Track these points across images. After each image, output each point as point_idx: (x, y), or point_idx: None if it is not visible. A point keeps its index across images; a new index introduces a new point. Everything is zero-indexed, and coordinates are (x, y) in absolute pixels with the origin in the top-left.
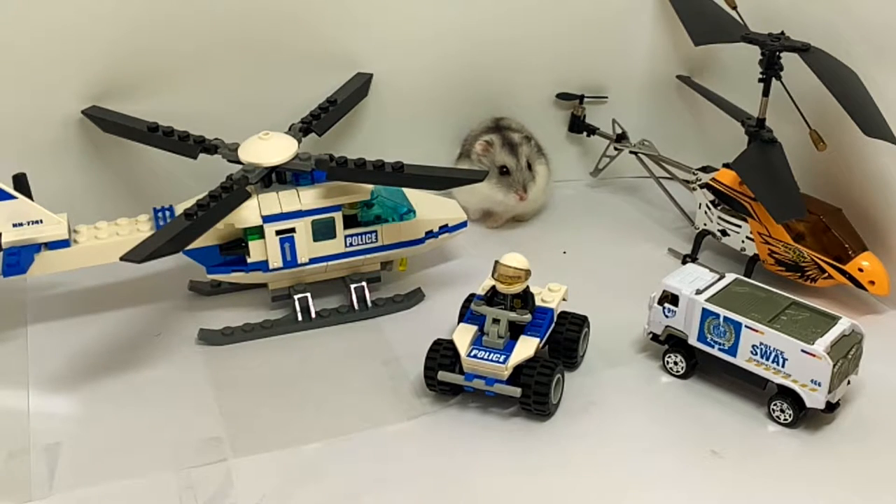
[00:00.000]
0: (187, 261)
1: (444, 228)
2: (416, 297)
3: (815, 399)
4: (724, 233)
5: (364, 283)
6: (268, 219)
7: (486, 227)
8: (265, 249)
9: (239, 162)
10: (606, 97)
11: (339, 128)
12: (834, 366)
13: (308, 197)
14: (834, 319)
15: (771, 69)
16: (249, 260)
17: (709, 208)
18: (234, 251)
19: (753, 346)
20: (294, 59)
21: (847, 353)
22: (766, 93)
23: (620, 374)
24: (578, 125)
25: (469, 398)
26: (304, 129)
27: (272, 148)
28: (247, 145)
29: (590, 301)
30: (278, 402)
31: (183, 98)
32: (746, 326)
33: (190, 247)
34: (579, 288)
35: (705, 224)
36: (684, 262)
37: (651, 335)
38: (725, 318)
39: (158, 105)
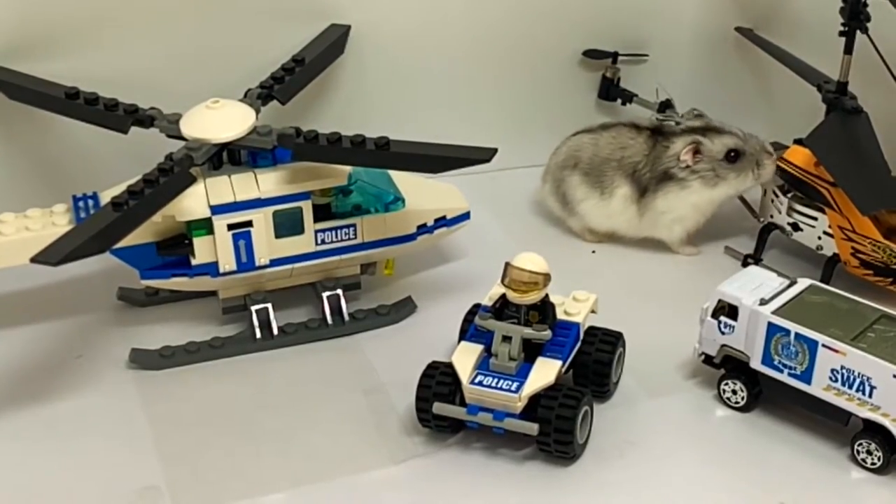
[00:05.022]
0: (116, 263)
1: (442, 221)
2: (405, 308)
3: None
4: (795, 227)
5: (340, 291)
6: (218, 209)
7: (588, 241)
8: (214, 248)
9: (181, 137)
10: (647, 55)
11: (308, 94)
12: None
13: (268, 182)
14: None
15: (855, 19)
16: (194, 261)
17: (776, 196)
18: (174, 250)
19: (833, 370)
20: (251, 6)
21: None
22: (848, 49)
23: (664, 405)
24: (611, 91)
25: (472, 437)
26: (263, 95)
27: (223, 119)
28: (191, 116)
29: (625, 314)
30: (231, 442)
31: (111, 56)
32: (824, 346)
33: (119, 245)
34: (612, 297)
35: (772, 216)
36: (745, 264)
37: (703, 357)
38: (797, 336)
39: (79, 65)
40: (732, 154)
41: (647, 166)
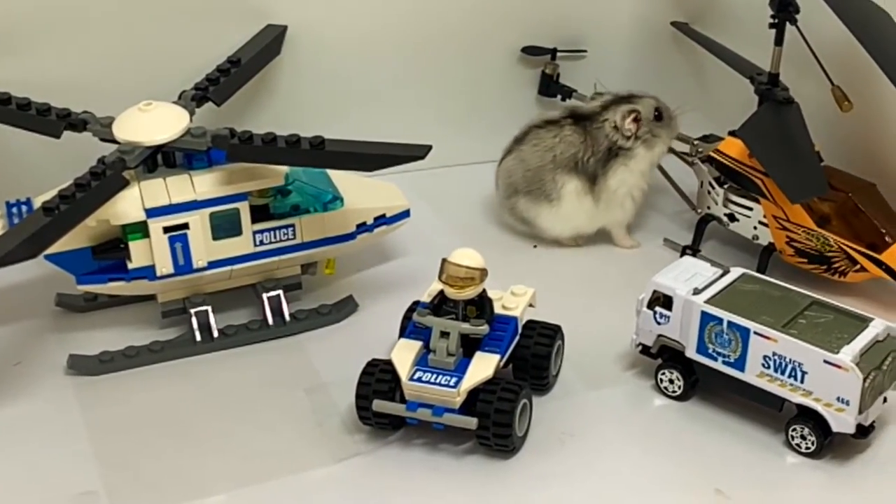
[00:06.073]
0: (53, 269)
1: (381, 220)
2: (346, 307)
3: (843, 422)
4: (731, 217)
5: (280, 292)
6: (153, 212)
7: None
8: (150, 251)
9: (114, 141)
10: (585, 51)
11: (244, 95)
12: (865, 379)
13: (204, 183)
14: (864, 322)
15: (784, 11)
16: (131, 265)
17: (712, 187)
18: (110, 254)
19: (765, 357)
20: (186, 6)
21: (881, 364)
22: (779, 41)
23: (603, 397)
24: (550, 87)
25: (413, 433)
26: (198, 96)
27: (156, 122)
28: (124, 119)
29: (564, 307)
30: (171, 445)
31: (42, 60)
32: (756, 333)
33: (53, 250)
34: (551, 290)
35: (709, 207)
36: (683, 255)
37: (640, 347)
38: (730, 324)
39: (10, 70)
40: (657, 112)
41: (589, 152)
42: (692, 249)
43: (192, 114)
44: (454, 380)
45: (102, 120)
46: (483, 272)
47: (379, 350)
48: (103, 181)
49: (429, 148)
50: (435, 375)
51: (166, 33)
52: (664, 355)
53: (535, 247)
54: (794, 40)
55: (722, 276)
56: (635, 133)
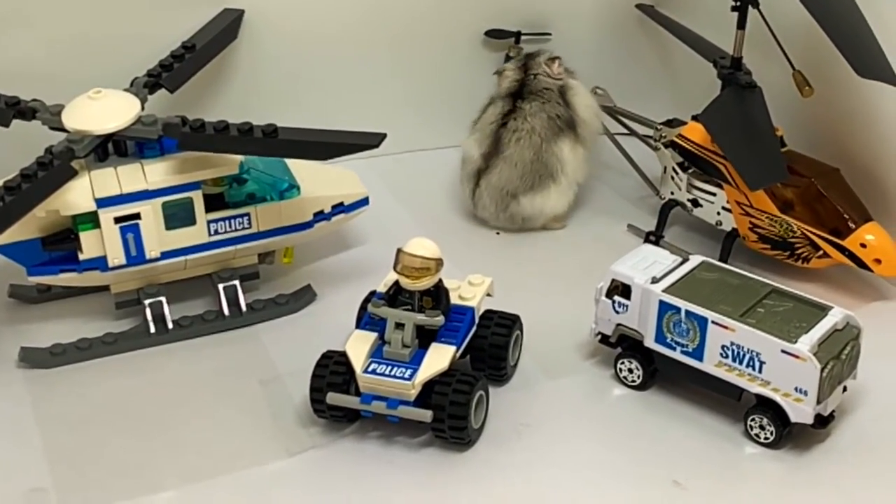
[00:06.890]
0: (4, 260)
1: (339, 208)
2: (304, 297)
3: (801, 412)
4: (695, 203)
5: (237, 282)
6: (103, 202)
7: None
8: (102, 242)
9: (64, 129)
10: (550, 34)
11: (199, 82)
12: (823, 369)
13: (156, 172)
14: (823, 310)
15: None
16: (82, 256)
17: (676, 172)
18: (61, 245)
19: (723, 346)
20: None
21: (840, 353)
22: (741, 24)
23: (562, 386)
24: None
25: (368, 425)
26: (150, 83)
27: (106, 110)
28: (73, 107)
29: (524, 295)
30: (123, 440)
31: None
32: (713, 322)
33: (1, 241)
34: (511, 278)
35: (672, 193)
36: (647, 241)
37: (600, 336)
38: (688, 313)
39: None
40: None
41: (552, 106)
42: (655, 235)
43: (143, 101)
44: (409, 372)
45: (52, 108)
46: (439, 262)
47: (338, 340)
48: (51, 171)
49: (383, 136)
50: (390, 367)
51: (118, 17)
52: (623, 344)
53: (497, 233)
54: (761, 24)
55: (681, 264)
56: (562, 73)
